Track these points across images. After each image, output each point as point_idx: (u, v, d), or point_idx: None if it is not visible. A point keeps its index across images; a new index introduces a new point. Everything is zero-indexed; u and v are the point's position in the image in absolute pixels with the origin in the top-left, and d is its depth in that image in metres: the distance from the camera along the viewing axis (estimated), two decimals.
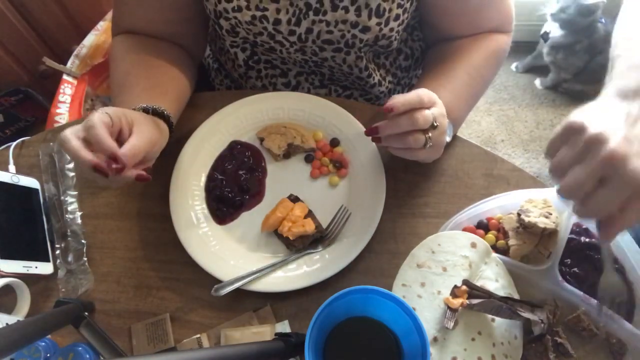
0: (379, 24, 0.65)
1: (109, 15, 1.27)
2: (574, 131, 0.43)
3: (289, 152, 0.70)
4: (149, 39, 0.73)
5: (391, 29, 0.67)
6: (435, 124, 0.57)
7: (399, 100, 0.55)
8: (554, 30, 1.61)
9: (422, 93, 0.56)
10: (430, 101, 0.57)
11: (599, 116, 0.43)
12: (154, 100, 0.62)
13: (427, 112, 0.56)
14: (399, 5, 0.65)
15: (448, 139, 0.63)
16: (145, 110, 0.61)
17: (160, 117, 0.62)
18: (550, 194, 0.60)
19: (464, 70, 0.69)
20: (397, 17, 0.66)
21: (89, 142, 0.51)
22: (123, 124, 0.54)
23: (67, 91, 1.21)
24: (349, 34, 0.67)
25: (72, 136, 0.50)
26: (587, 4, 1.50)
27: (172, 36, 0.74)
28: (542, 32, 1.66)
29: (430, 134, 0.57)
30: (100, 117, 0.51)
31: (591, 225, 0.59)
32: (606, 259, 0.55)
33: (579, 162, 0.42)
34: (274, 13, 0.66)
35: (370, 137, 0.61)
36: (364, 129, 0.69)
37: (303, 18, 0.66)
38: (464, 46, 0.71)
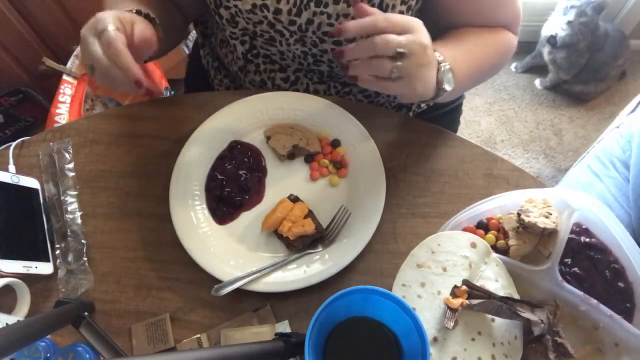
0: None
1: None
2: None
3: (294, 154, 0.70)
4: None
5: None
6: (402, 51, 0.51)
7: (352, 23, 0.52)
8: (559, 30, 1.61)
9: (380, 17, 0.52)
10: (394, 25, 0.52)
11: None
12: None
13: (392, 36, 0.51)
14: (403, 2, 0.65)
15: (447, 87, 0.59)
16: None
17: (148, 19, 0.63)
18: (550, 194, 0.60)
19: (474, 42, 0.68)
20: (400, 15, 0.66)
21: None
22: (127, 30, 0.57)
23: (67, 91, 1.22)
24: None
25: (124, 48, 0.55)
26: (599, 2, 1.51)
27: None
28: (547, 35, 1.66)
29: (399, 63, 0.52)
30: (119, 38, 0.55)
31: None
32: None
33: None
34: (274, 2, 0.66)
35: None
36: (364, 129, 0.70)
37: (304, 9, 0.66)
38: (477, 29, 0.71)
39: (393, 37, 0.51)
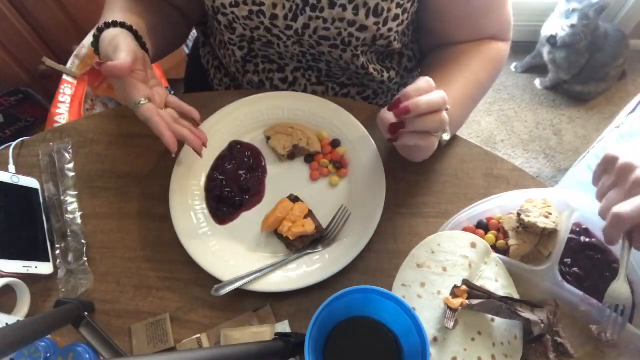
0: (376, 23, 0.65)
1: None
2: (610, 162, 0.50)
3: (294, 154, 0.70)
4: None
5: (389, 29, 0.67)
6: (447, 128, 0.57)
7: (422, 100, 0.52)
8: (559, 30, 1.61)
9: (444, 94, 0.54)
10: (447, 102, 0.55)
11: (632, 147, 0.49)
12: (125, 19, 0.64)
13: (445, 114, 0.55)
14: (399, 5, 0.65)
15: (446, 137, 0.63)
16: (107, 26, 0.63)
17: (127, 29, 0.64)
18: (550, 194, 0.60)
19: (463, 76, 0.68)
20: (396, 18, 0.66)
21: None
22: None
23: (67, 91, 1.21)
24: (346, 32, 0.67)
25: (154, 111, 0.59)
26: (600, 2, 1.51)
27: None
28: (547, 35, 1.66)
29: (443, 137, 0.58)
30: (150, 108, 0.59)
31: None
32: (623, 267, 0.53)
33: (614, 188, 0.49)
34: (270, 8, 0.66)
35: (388, 133, 0.56)
36: (364, 129, 0.69)
37: (300, 14, 0.66)
38: (463, 52, 0.71)
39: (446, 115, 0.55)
